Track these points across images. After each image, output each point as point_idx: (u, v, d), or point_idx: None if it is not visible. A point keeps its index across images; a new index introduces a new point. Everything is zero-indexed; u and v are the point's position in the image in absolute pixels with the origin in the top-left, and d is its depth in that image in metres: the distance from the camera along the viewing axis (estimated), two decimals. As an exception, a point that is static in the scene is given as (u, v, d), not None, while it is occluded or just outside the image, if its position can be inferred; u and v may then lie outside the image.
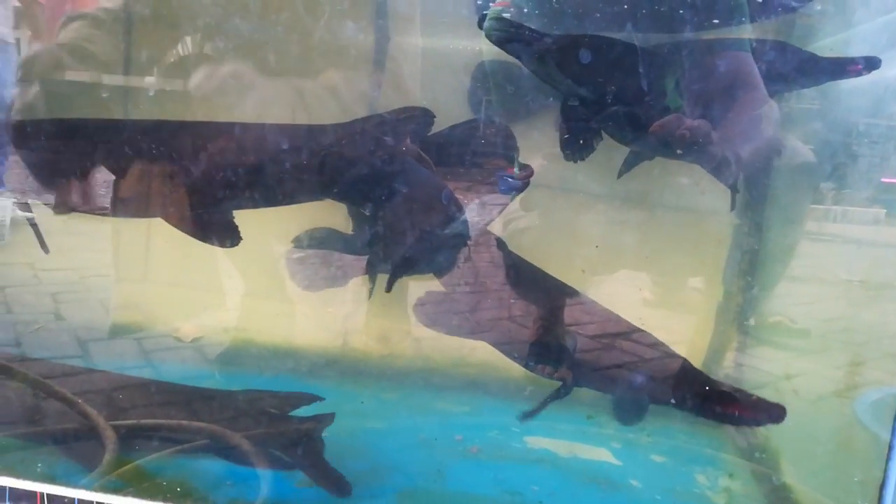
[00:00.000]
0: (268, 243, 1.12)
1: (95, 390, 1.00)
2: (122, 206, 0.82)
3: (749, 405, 0.90)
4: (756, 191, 0.96)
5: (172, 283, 1.18)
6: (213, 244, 0.84)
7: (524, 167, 0.93)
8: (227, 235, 0.83)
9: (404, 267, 0.95)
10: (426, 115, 0.87)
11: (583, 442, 1.00)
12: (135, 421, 0.95)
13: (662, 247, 1.00)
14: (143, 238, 1.16)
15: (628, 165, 0.89)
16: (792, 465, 0.95)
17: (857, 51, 0.82)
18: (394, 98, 0.93)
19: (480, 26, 0.81)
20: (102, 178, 0.84)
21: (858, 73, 0.83)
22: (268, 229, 1.05)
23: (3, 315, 1.24)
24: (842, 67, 0.84)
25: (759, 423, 0.93)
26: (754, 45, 0.86)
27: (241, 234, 0.84)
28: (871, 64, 0.82)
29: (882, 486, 0.70)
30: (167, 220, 0.84)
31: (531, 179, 0.96)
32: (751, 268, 1.02)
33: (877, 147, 0.91)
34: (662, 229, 0.98)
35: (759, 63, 0.84)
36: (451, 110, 0.91)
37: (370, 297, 1.00)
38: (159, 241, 1.15)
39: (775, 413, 0.88)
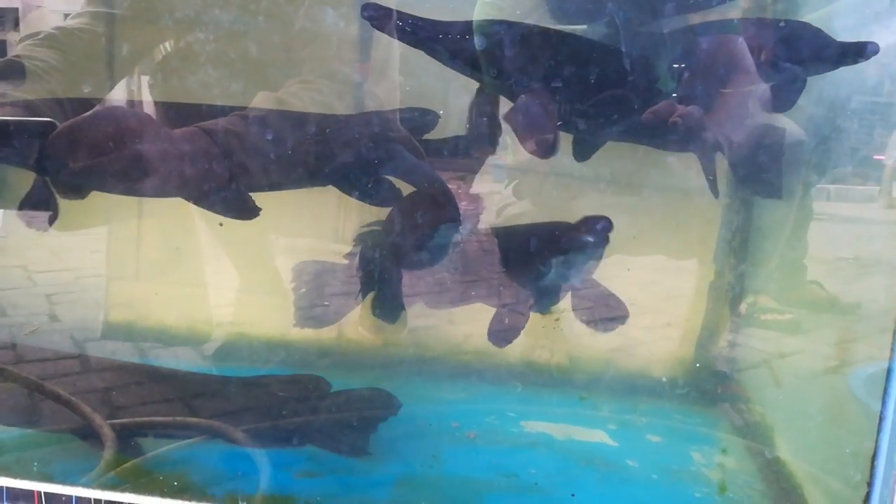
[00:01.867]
0: (259, 236, 1.12)
1: (108, 382, 1.01)
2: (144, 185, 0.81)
3: (573, 228, 0.88)
4: (745, 169, 0.96)
5: (165, 280, 1.18)
6: (235, 218, 0.84)
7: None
8: (246, 209, 0.83)
9: (398, 261, 0.96)
10: (431, 116, 0.88)
11: (578, 424, 1.01)
12: (131, 419, 0.96)
13: (652, 227, 1.00)
14: (134, 236, 1.16)
15: (584, 150, 0.88)
16: (786, 441, 0.95)
17: (840, 25, 0.82)
18: (379, 87, 0.93)
19: (363, 14, 0.80)
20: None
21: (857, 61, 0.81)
22: (259, 222, 1.05)
23: (-2, 318, 1.25)
24: (850, 52, 0.82)
25: (592, 244, 0.89)
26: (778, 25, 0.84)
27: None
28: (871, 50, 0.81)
29: (874, 457, 0.71)
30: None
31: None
32: (742, 246, 1.02)
33: (868, 124, 0.91)
34: (651, 209, 0.98)
35: (780, 45, 0.82)
36: (435, 97, 0.91)
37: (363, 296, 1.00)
38: (151, 238, 1.15)
39: (599, 225, 0.86)
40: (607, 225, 0.86)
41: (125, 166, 0.75)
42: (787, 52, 0.82)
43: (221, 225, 0.90)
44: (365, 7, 0.80)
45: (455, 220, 0.95)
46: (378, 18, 0.80)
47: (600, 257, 0.91)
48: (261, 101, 0.83)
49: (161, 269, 1.18)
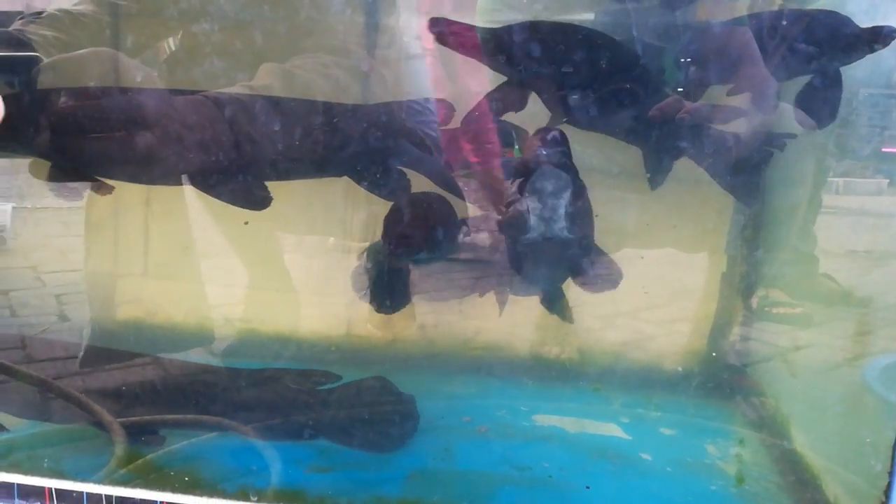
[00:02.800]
0: (267, 232, 1.12)
1: (119, 379, 1.02)
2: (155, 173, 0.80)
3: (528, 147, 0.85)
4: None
5: (173, 277, 1.18)
6: (244, 208, 0.83)
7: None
8: (258, 199, 0.82)
9: (406, 253, 0.95)
10: (447, 107, 0.88)
11: (591, 418, 1.00)
12: (142, 417, 0.96)
13: (663, 218, 1.00)
14: (142, 233, 1.16)
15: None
16: (802, 433, 0.94)
17: (854, 8, 0.81)
18: (380, 81, 0.92)
19: (431, 30, 0.79)
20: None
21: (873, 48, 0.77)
22: (267, 217, 1.05)
23: (9, 319, 1.25)
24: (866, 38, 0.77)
25: (548, 156, 0.84)
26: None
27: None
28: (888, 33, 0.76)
29: (895, 446, 0.70)
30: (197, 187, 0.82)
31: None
32: (754, 237, 1.01)
33: (877, 116, 0.90)
34: (663, 198, 0.97)
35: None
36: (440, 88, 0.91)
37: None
38: (159, 235, 1.15)
39: (550, 136, 0.81)
40: (558, 136, 0.81)
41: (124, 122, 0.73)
42: (814, 44, 0.80)
43: (247, 223, 0.90)
44: (434, 22, 0.78)
45: (462, 214, 0.95)
46: (446, 34, 0.78)
47: (573, 189, 0.85)
48: (265, 72, 0.82)
49: (169, 266, 1.18)
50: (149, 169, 0.76)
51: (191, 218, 1.10)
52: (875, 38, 0.76)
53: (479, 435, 0.96)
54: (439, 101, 0.89)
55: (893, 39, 0.75)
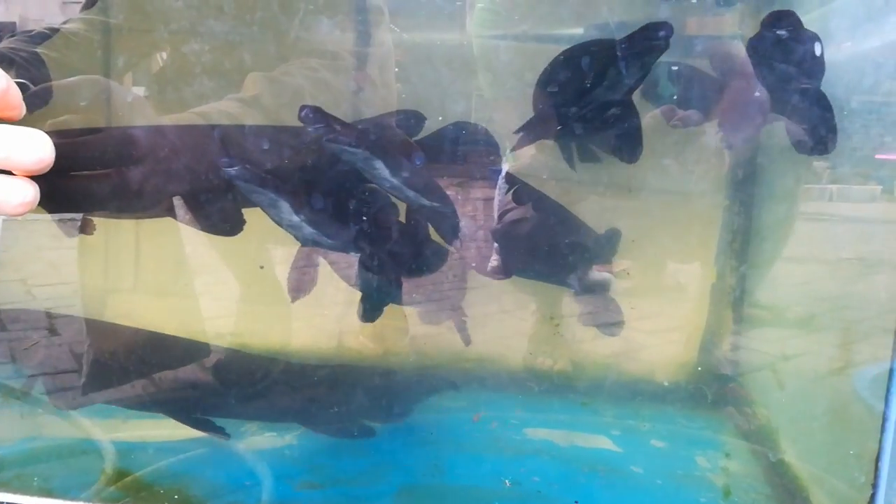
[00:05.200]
0: (257, 246, 1.12)
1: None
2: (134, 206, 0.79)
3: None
4: (745, 170, 0.96)
5: (164, 292, 1.18)
6: (220, 234, 0.83)
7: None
8: (234, 223, 0.81)
9: (395, 269, 0.95)
10: (417, 118, 0.87)
11: (581, 431, 1.00)
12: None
13: (651, 230, 1.00)
14: (132, 248, 1.16)
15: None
16: (791, 443, 0.95)
17: (836, 25, 0.82)
18: (373, 95, 0.92)
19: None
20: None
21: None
22: (257, 233, 1.05)
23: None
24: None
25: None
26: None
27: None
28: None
29: (878, 458, 0.70)
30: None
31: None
32: (743, 248, 1.02)
33: (869, 123, 0.90)
34: (650, 212, 0.98)
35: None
36: (431, 104, 0.91)
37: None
38: (150, 250, 1.15)
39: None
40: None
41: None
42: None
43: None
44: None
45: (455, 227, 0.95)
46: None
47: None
48: (252, 82, 0.81)
49: (159, 280, 1.18)
50: (129, 204, 0.75)
51: (180, 232, 1.10)
52: (646, 34, 0.74)
53: (469, 450, 0.96)
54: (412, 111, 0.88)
55: (660, 35, 0.73)
